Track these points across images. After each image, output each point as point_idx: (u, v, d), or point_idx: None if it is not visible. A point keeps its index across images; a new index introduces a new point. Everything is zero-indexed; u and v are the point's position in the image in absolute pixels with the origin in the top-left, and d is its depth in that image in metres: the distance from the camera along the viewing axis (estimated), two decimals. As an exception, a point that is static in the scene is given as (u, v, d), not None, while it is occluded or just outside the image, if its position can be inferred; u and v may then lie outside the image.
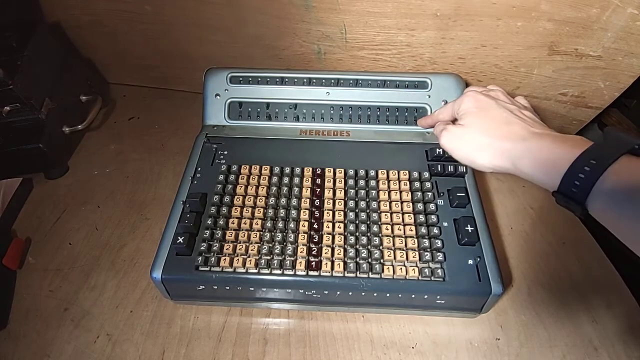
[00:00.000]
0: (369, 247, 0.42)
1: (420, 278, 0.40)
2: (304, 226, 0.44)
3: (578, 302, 0.46)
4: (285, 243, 0.43)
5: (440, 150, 0.49)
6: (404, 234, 0.43)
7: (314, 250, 0.42)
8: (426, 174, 0.48)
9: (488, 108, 0.39)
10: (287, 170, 0.49)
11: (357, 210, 0.45)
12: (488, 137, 0.37)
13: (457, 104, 0.42)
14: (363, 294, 0.40)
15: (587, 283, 0.48)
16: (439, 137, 0.43)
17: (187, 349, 0.42)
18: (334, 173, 0.49)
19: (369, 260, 0.41)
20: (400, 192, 0.47)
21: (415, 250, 0.42)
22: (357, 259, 0.41)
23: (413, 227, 0.43)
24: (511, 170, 0.35)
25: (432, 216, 0.44)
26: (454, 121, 0.45)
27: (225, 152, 0.51)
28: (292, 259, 0.41)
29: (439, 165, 0.48)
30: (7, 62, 0.51)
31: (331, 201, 0.46)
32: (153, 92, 0.76)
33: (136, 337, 0.43)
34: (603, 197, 0.28)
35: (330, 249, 0.42)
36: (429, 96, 0.54)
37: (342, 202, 0.46)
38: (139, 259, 0.50)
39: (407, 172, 0.48)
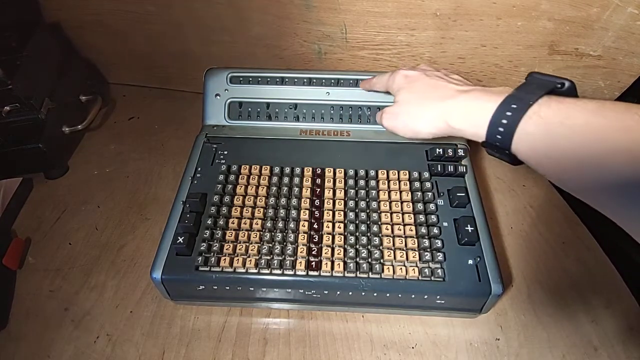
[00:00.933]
0: (369, 247, 0.42)
1: (420, 278, 0.40)
2: (304, 226, 0.43)
3: (578, 302, 0.46)
4: (285, 243, 0.43)
5: (440, 150, 0.49)
6: (404, 234, 0.43)
7: (314, 250, 0.42)
8: (426, 174, 0.48)
9: (417, 79, 0.41)
10: (287, 170, 0.49)
11: (357, 210, 0.45)
12: (421, 105, 0.39)
13: (390, 82, 0.44)
14: (363, 294, 0.40)
15: (586, 283, 0.47)
16: (379, 121, 0.44)
17: (187, 349, 0.42)
18: (334, 173, 0.49)
19: (369, 260, 0.41)
20: (400, 192, 0.46)
21: (415, 250, 0.42)
22: (357, 259, 0.41)
23: (413, 227, 0.43)
24: (446, 129, 0.36)
25: (432, 216, 0.44)
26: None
27: (225, 152, 0.51)
28: (292, 259, 0.41)
29: (439, 165, 0.48)
30: (7, 62, 0.51)
31: (331, 201, 0.46)
32: (153, 92, 0.76)
33: (136, 338, 0.43)
34: (527, 139, 0.29)
35: (330, 249, 0.42)
36: (429, 96, 0.54)
37: (342, 202, 0.46)
38: (139, 259, 0.50)
39: (407, 172, 0.48)
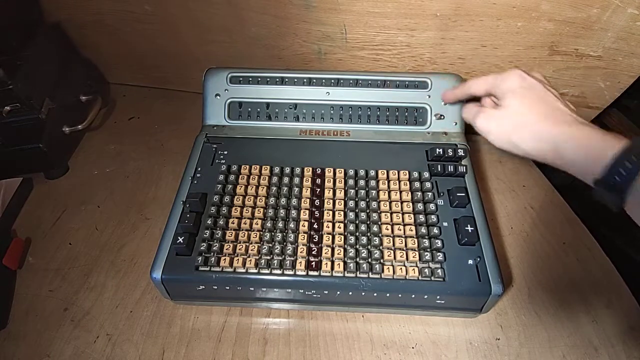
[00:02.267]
0: (369, 247, 0.42)
1: (420, 278, 0.40)
2: (304, 226, 0.43)
3: (578, 302, 0.46)
4: (285, 243, 0.43)
5: (440, 150, 0.49)
6: (404, 234, 0.43)
7: (314, 250, 0.42)
8: (426, 174, 0.48)
9: (534, 89, 0.37)
10: (287, 170, 0.49)
11: (357, 210, 0.45)
12: (532, 118, 0.35)
13: (500, 80, 0.39)
14: (363, 293, 0.40)
15: (587, 283, 0.47)
16: (472, 119, 0.40)
17: (187, 349, 0.42)
18: (334, 173, 0.49)
19: (369, 260, 0.41)
20: (400, 192, 0.46)
21: (415, 250, 0.41)
22: (357, 259, 0.41)
23: (413, 227, 0.43)
24: (550, 155, 0.34)
25: (432, 216, 0.44)
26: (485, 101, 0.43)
27: (225, 152, 0.51)
28: (292, 259, 0.41)
29: (439, 165, 0.48)
30: (7, 62, 0.51)
31: (331, 201, 0.46)
32: (153, 92, 0.76)
33: (136, 337, 0.43)
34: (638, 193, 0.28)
35: (330, 249, 0.42)
36: (429, 96, 0.54)
37: (342, 202, 0.46)
38: (139, 259, 0.50)
39: (407, 172, 0.48)
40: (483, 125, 0.39)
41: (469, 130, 0.52)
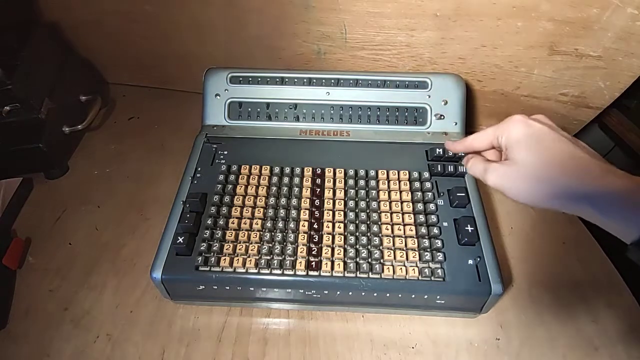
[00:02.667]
0: (369, 247, 0.42)
1: (420, 278, 0.40)
2: (304, 226, 0.43)
3: (578, 302, 0.46)
4: (285, 243, 0.43)
5: (440, 150, 0.49)
6: (404, 234, 0.43)
7: (314, 250, 0.42)
8: (426, 174, 0.48)
9: (544, 137, 0.32)
10: (287, 170, 0.49)
11: (357, 210, 0.45)
12: (549, 173, 0.31)
13: (501, 132, 0.34)
14: (363, 293, 0.40)
15: (587, 283, 0.47)
16: (482, 177, 0.35)
17: (187, 349, 0.42)
18: (334, 173, 0.49)
19: (369, 260, 0.41)
20: (400, 192, 0.47)
21: (415, 250, 0.41)
22: (357, 259, 0.41)
23: (413, 227, 0.43)
24: (577, 211, 0.30)
25: (432, 216, 0.44)
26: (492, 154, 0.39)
27: (225, 152, 0.51)
28: (292, 259, 0.41)
29: (439, 165, 0.48)
30: (6, 62, 0.51)
31: (331, 201, 0.46)
32: (153, 92, 0.76)
33: (136, 337, 0.43)
34: None
35: (330, 249, 0.42)
36: (429, 96, 0.54)
37: (342, 202, 0.46)
38: (139, 259, 0.50)
39: (407, 172, 0.48)
40: (496, 182, 0.34)
41: (469, 130, 0.52)
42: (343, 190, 0.47)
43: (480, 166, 0.36)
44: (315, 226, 0.44)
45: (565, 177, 0.30)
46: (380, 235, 0.43)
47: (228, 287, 0.41)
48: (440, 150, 0.49)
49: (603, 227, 0.30)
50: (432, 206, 0.45)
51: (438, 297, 0.40)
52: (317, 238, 0.43)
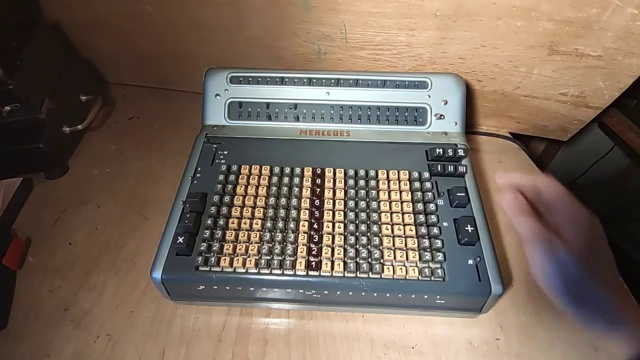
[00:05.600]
0: (369, 247, 0.42)
1: (420, 278, 0.40)
2: (304, 226, 0.44)
3: (578, 302, 0.46)
4: (285, 243, 0.43)
5: (440, 150, 0.49)
6: (404, 234, 0.43)
7: (314, 250, 0.42)
8: (426, 174, 0.48)
9: (598, 237, 0.30)
10: (287, 170, 0.49)
11: (357, 210, 0.45)
12: (595, 282, 0.29)
13: (568, 208, 0.31)
14: (363, 294, 0.40)
15: (587, 283, 0.47)
16: (525, 237, 0.31)
17: (187, 349, 0.42)
18: (334, 173, 0.49)
19: (369, 260, 0.41)
20: (400, 192, 0.47)
21: (415, 250, 0.42)
22: (357, 259, 0.41)
23: (413, 227, 0.43)
24: (601, 332, 0.30)
25: (432, 216, 0.44)
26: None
27: (225, 152, 0.51)
28: (292, 259, 0.41)
29: (439, 165, 0.48)
30: (7, 62, 0.51)
31: (331, 201, 0.46)
32: (153, 92, 0.76)
33: (136, 337, 0.43)
34: None
35: (330, 249, 0.42)
36: (429, 96, 0.54)
37: (342, 202, 0.46)
38: (139, 259, 0.50)
39: (407, 172, 0.48)
40: (536, 259, 0.30)
41: (469, 130, 0.52)
42: (343, 190, 0.47)
43: (534, 226, 0.31)
44: (315, 226, 0.44)
45: (607, 294, 0.29)
46: (380, 235, 0.43)
47: (228, 287, 0.41)
48: (440, 150, 0.49)
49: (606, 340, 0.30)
50: (432, 206, 0.45)
51: (438, 297, 0.40)
52: (317, 238, 0.43)
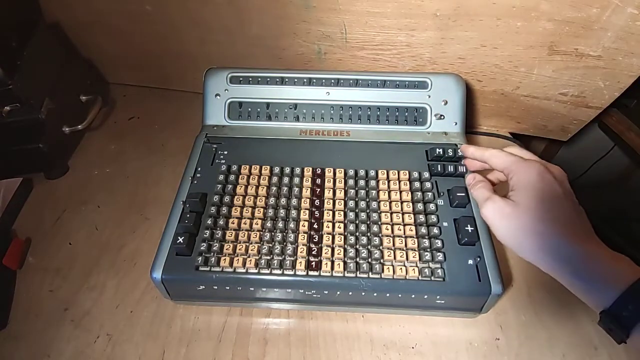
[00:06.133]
0: (369, 247, 0.42)
1: (420, 278, 0.40)
2: (304, 226, 0.44)
3: (578, 301, 0.45)
4: (285, 243, 0.43)
5: (440, 150, 0.49)
6: (404, 234, 0.43)
7: (314, 250, 0.42)
8: (426, 174, 0.48)
9: (553, 194, 0.33)
10: (287, 170, 0.49)
11: (357, 210, 0.45)
12: (544, 226, 0.32)
13: (518, 168, 0.36)
14: (363, 294, 0.40)
15: (587, 283, 0.47)
16: (481, 203, 0.37)
17: (187, 349, 0.42)
18: (334, 173, 0.49)
19: (369, 260, 0.41)
20: (400, 192, 0.47)
21: (415, 250, 0.42)
22: (357, 259, 0.41)
23: (413, 227, 0.43)
24: (555, 270, 0.32)
25: (432, 216, 0.44)
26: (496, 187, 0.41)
27: (225, 152, 0.51)
28: (292, 259, 0.41)
29: (439, 165, 0.48)
30: (7, 62, 0.51)
31: (331, 201, 0.46)
32: (153, 92, 0.76)
33: (136, 337, 0.43)
34: None
35: (330, 249, 0.42)
36: (429, 96, 0.54)
37: (342, 202, 0.46)
38: (139, 259, 0.50)
39: (407, 172, 0.48)
40: (490, 218, 0.35)
41: (469, 130, 0.52)
42: (343, 190, 0.47)
43: (485, 193, 0.37)
44: (315, 226, 0.44)
45: (557, 234, 0.32)
46: (380, 235, 0.43)
47: (228, 287, 0.41)
48: (440, 150, 0.49)
49: (575, 293, 0.32)
50: (432, 206, 0.45)
51: (438, 297, 0.40)
52: (317, 238, 0.43)
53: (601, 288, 0.30)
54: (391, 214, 0.44)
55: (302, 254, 0.41)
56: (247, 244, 0.42)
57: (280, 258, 0.41)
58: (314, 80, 0.55)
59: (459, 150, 0.49)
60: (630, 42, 0.48)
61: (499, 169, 0.39)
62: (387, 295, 0.40)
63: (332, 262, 0.41)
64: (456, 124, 0.54)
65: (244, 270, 0.41)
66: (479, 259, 0.41)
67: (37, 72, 0.56)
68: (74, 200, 0.57)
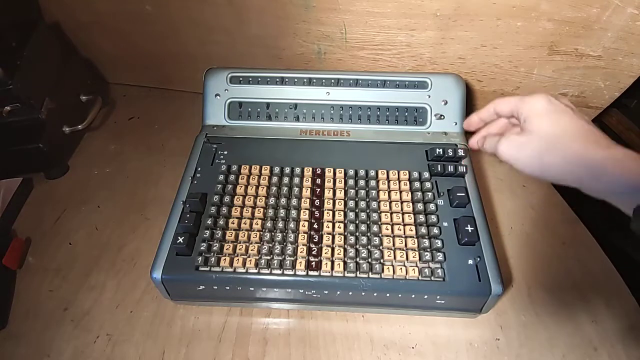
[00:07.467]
0: (369, 247, 0.42)
1: (420, 278, 0.40)
2: (304, 226, 0.43)
3: (578, 302, 0.46)
4: (285, 243, 0.43)
5: (440, 150, 0.49)
6: (404, 234, 0.43)
7: (314, 250, 0.42)
8: (426, 174, 0.48)
9: (563, 114, 0.34)
10: (287, 170, 0.49)
11: (357, 210, 0.45)
12: (565, 138, 0.32)
13: (525, 102, 0.36)
14: (363, 293, 0.40)
15: (587, 283, 0.47)
16: (495, 148, 0.37)
17: (187, 349, 0.42)
18: (334, 173, 0.49)
19: (369, 260, 0.41)
20: (400, 192, 0.47)
21: (415, 250, 0.42)
22: (357, 259, 0.41)
23: (413, 227, 0.43)
24: (586, 179, 0.32)
25: (432, 216, 0.44)
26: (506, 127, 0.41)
27: (225, 152, 0.51)
28: (292, 258, 0.41)
29: (439, 165, 0.48)
30: (7, 62, 0.51)
31: (331, 201, 0.46)
32: (153, 92, 0.76)
33: (136, 337, 0.43)
34: None
35: (330, 249, 0.42)
36: (429, 96, 0.54)
37: (342, 202, 0.46)
38: (139, 259, 0.50)
39: (407, 172, 0.48)
40: (507, 152, 0.35)
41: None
42: (343, 190, 0.47)
43: (495, 138, 0.37)
44: (315, 226, 0.44)
45: (578, 143, 0.32)
46: (380, 235, 0.43)
47: (228, 287, 0.41)
48: (440, 150, 0.49)
49: (607, 199, 0.31)
50: (432, 206, 0.45)
51: (438, 297, 0.40)
52: (317, 238, 0.43)
53: (632, 186, 0.29)
54: (391, 214, 0.44)
55: (302, 254, 0.41)
56: (247, 244, 0.42)
57: (280, 258, 0.41)
58: (314, 80, 0.55)
59: (459, 150, 0.49)
60: (630, 42, 0.48)
61: (507, 113, 0.39)
62: (387, 295, 0.40)
63: (332, 262, 0.41)
64: (456, 124, 0.54)
65: (244, 270, 0.41)
66: (479, 259, 0.41)
67: (37, 72, 0.56)
68: (74, 200, 0.57)
